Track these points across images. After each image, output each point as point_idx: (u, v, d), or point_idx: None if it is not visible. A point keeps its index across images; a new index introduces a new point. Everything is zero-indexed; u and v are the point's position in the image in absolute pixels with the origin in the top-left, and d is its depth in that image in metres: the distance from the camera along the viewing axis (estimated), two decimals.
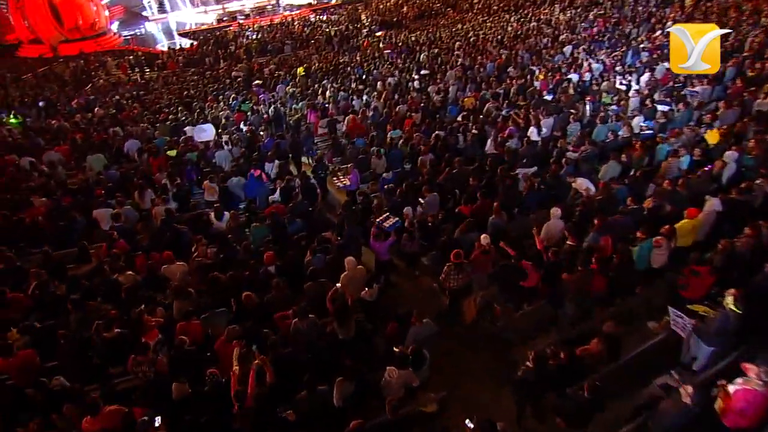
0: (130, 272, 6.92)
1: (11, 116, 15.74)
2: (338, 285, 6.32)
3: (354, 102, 14.24)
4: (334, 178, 10.44)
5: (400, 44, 22.22)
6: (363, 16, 30.41)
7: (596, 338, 5.27)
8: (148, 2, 33.44)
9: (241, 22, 32.22)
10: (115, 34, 30.90)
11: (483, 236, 6.87)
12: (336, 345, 5.57)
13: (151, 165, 10.80)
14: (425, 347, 5.61)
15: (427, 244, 7.85)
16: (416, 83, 15.61)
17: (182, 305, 6.26)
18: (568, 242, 6.52)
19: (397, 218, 7.76)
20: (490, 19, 26.04)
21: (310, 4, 35.83)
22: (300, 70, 18.68)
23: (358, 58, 20.75)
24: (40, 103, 17.38)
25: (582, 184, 8.13)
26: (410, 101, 13.55)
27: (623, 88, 12.65)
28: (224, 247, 7.39)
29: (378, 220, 7.51)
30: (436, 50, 19.77)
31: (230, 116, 13.88)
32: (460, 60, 17.56)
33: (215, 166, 10.75)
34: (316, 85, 16.62)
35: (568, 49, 16.94)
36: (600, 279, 5.92)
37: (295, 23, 30.84)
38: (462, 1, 30.91)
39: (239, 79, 18.97)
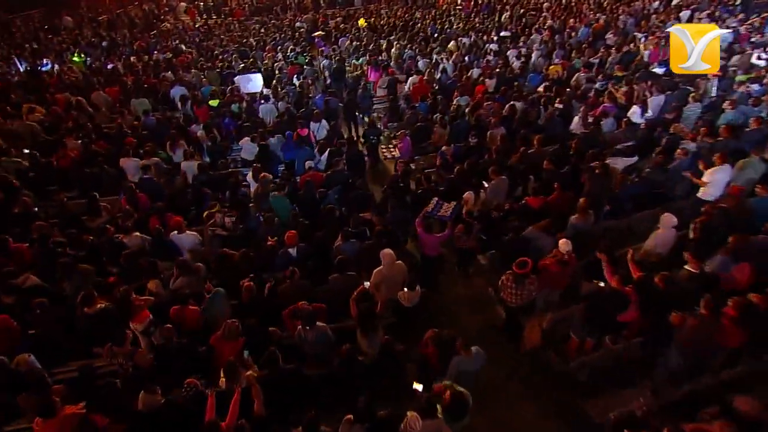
0: (137, 233, 6.06)
1: (75, 54, 15.69)
2: (366, 284, 5.03)
3: (419, 62, 12.55)
4: (383, 146, 9.04)
5: (480, 2, 19.86)
6: None
7: (721, 419, 3.61)
8: None
9: None
10: None
11: (563, 241, 5.25)
12: (353, 365, 4.29)
13: (194, 114, 10.03)
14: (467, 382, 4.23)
15: (487, 240, 6.34)
16: (494, 45, 13.66)
17: (185, 282, 5.28)
18: (686, 267, 4.73)
19: (454, 202, 6.33)
20: None
21: None
22: (361, 22, 17.05)
23: (433, 14, 18.76)
24: (104, 44, 17.20)
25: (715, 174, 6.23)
26: (485, 65, 11.74)
27: (761, 63, 9.97)
28: (245, 218, 6.31)
29: (429, 209, 6.11)
30: (521, 10, 17.58)
31: (284, 68, 12.74)
32: (548, 22, 15.43)
33: (257, 121, 9.68)
34: (381, 41, 15.01)
35: (685, 14, 14.27)
36: (736, 332, 4.11)
37: None
38: None
39: (302, 30, 17.73)
